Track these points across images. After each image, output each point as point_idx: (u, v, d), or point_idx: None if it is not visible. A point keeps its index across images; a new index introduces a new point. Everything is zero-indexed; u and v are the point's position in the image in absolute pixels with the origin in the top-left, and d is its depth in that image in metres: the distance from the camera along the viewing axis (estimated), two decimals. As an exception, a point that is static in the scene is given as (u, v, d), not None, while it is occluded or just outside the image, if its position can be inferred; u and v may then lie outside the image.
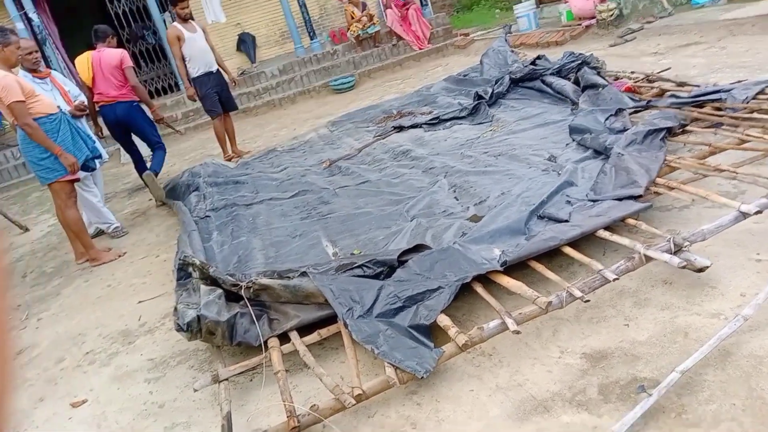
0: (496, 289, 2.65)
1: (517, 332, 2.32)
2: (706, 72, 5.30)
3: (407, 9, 11.34)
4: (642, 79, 5.19)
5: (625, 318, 2.40)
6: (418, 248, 3.02)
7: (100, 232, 5.38)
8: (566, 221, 3.00)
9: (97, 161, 4.83)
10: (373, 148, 5.58)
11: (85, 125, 5.20)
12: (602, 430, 1.85)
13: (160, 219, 5.51)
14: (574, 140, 4.19)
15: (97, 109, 5.86)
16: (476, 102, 5.77)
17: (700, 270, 2.43)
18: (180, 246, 3.92)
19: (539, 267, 2.70)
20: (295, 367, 2.62)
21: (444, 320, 2.48)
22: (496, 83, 6.03)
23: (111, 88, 5.73)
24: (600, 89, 4.82)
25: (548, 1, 11.26)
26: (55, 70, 10.89)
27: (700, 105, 4.10)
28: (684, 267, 2.43)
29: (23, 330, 3.86)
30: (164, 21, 11.45)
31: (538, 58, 6.21)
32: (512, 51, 7.36)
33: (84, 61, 5.81)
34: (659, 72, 5.32)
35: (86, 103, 5.37)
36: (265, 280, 2.88)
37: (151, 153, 6.17)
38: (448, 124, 5.69)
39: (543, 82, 5.66)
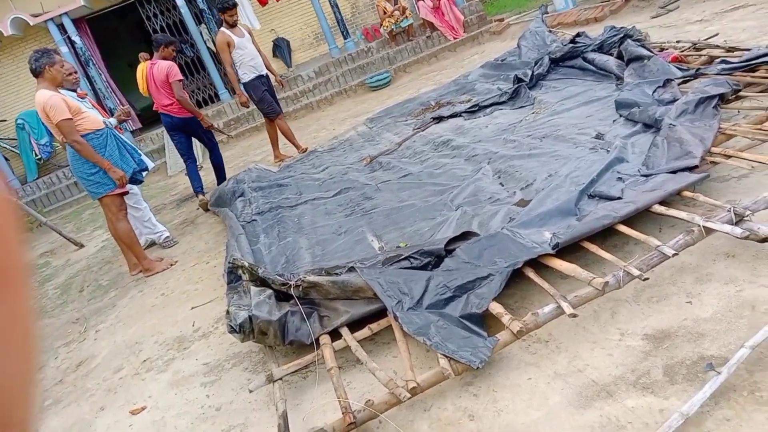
0: (548, 273, 2.57)
1: (574, 316, 2.23)
2: (758, 35, 5.04)
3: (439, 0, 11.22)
4: (689, 48, 4.97)
5: (687, 295, 2.28)
6: (466, 236, 2.96)
7: (151, 243, 5.50)
8: (619, 198, 2.89)
9: (143, 173, 4.93)
10: (413, 141, 5.52)
11: (130, 139, 5.32)
12: (670, 413, 1.76)
13: (208, 227, 5.59)
14: (621, 115, 4.04)
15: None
16: (516, 86, 5.64)
17: (765, 240, 2.29)
18: (229, 250, 3.96)
19: (593, 247, 2.60)
20: (348, 364, 2.60)
21: (496, 308, 2.42)
22: (535, 65, 5.88)
23: (164, 98, 6.01)
24: (645, 61, 4.64)
25: (583, -22, 10.95)
26: (99, 89, 11.26)
27: (753, 69, 3.89)
28: (747, 237, 2.29)
29: (82, 342, 3.97)
30: (200, 33, 11.66)
31: (578, 35, 6.02)
32: (550, 31, 7.18)
33: (140, 72, 6.09)
34: (706, 39, 5.09)
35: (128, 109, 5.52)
36: (313, 278, 2.87)
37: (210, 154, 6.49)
38: (488, 110, 5.59)
39: (584, 59, 5.49)
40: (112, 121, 4.80)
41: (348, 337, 2.61)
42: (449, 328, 2.41)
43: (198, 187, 6.28)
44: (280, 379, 2.53)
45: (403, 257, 2.89)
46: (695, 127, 3.21)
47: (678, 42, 5.20)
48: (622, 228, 2.66)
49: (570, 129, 4.18)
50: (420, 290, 2.66)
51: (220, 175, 6.51)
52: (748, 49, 4.24)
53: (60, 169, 10.67)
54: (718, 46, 4.71)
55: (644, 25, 6.64)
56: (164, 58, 6.06)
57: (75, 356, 3.78)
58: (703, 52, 4.73)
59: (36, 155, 11.14)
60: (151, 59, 6.20)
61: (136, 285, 4.69)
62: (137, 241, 4.81)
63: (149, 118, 13.70)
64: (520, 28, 9.27)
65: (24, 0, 11.01)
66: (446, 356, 2.25)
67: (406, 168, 4.78)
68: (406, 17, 11.22)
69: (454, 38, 11.13)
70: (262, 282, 3.00)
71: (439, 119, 5.86)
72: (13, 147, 11.40)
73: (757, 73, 3.80)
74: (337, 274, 2.90)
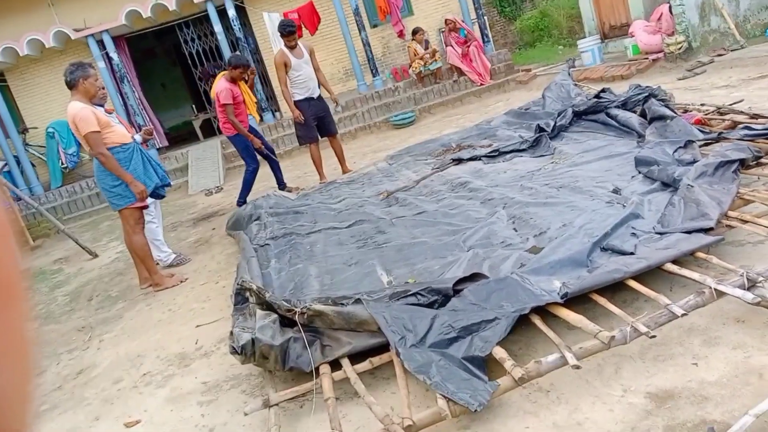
0: (555, 322, 2.55)
1: (577, 367, 2.21)
2: (783, 104, 5.06)
3: (468, 46, 11.41)
4: (713, 112, 4.99)
5: (693, 356, 2.25)
6: (475, 277, 2.95)
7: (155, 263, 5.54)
8: (631, 254, 2.88)
9: (165, 188, 5.01)
10: (431, 180, 5.56)
11: (155, 155, 5.43)
12: (668, 475, 1.72)
13: (221, 247, 5.64)
14: (640, 172, 4.04)
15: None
16: (538, 134, 5.68)
17: (778, 307, 2.27)
18: (239, 272, 3.99)
19: (602, 300, 2.58)
20: (346, 395, 2.58)
21: (500, 353, 2.40)
22: (558, 116, 5.93)
23: (219, 114, 6.69)
24: (668, 121, 4.66)
25: (613, 35, 11.11)
26: (131, 106, 11.53)
27: (776, 137, 3.89)
28: (758, 303, 2.27)
29: (85, 350, 3.99)
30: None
31: (603, 91, 6.08)
32: (575, 84, 7.26)
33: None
34: (731, 104, 5.12)
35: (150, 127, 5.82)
36: (319, 306, 2.88)
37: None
38: (508, 156, 5.62)
39: (608, 114, 5.53)
40: (137, 138, 4.91)
41: (348, 369, 2.60)
42: (450, 369, 2.39)
43: (241, 200, 6.83)
44: (277, 404, 2.51)
45: (410, 293, 2.89)
46: (713, 190, 3.21)
47: (702, 105, 5.23)
48: (633, 284, 2.64)
49: (588, 181, 4.19)
50: (424, 328, 2.65)
51: (278, 178, 7.16)
52: (772, 118, 4.26)
53: (84, 179, 10.87)
54: (742, 112, 4.72)
55: (670, 86, 6.69)
56: (232, 79, 6.47)
57: (76, 364, 3.79)
58: (727, 116, 4.75)
59: (62, 164, 11.37)
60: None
61: (145, 299, 4.72)
62: (150, 256, 4.86)
63: (176, 137, 13.98)
64: (547, 80, 9.38)
65: (68, 14, 11.40)
66: (445, 397, 2.23)
67: (421, 206, 4.80)
68: (436, 60, 11.41)
69: (481, 84, 11.27)
70: (269, 306, 3.01)
71: (459, 161, 5.91)
72: (41, 154, 11.65)
73: (779, 142, 3.80)
74: (343, 304, 2.90)
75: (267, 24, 11.21)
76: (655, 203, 3.45)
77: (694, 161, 3.74)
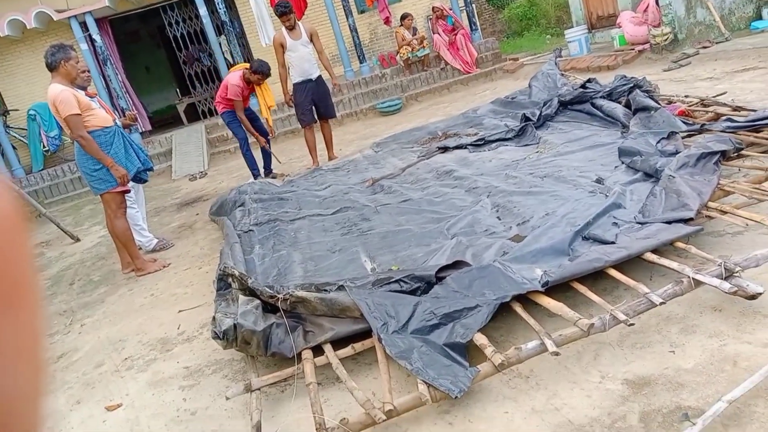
0: (536, 310, 2.57)
1: (557, 354, 2.24)
2: (765, 97, 5.11)
3: (456, 34, 11.38)
4: (696, 103, 5.03)
5: (670, 344, 2.29)
6: (458, 265, 2.97)
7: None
8: (612, 243, 2.91)
9: (148, 173, 4.97)
10: (417, 168, 5.57)
11: (138, 140, 5.38)
12: (643, 459, 1.76)
13: (205, 233, 5.61)
14: (623, 163, 4.08)
15: None
16: (523, 124, 5.70)
17: (752, 297, 2.30)
18: (222, 258, 3.98)
19: (582, 288, 2.61)
20: (328, 381, 2.59)
21: (481, 339, 2.42)
22: (544, 105, 5.95)
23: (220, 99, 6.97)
24: (652, 112, 4.70)
25: (600, 26, 11.13)
26: (114, 89, 11.39)
27: (757, 130, 3.94)
28: (735, 293, 2.31)
29: (66, 335, 3.96)
30: (219, 44, 11.80)
31: (589, 81, 6.11)
32: (562, 74, 7.28)
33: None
34: (715, 96, 5.16)
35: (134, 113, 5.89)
36: (301, 293, 2.88)
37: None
38: (493, 145, 5.64)
39: (593, 105, 5.55)
40: (119, 123, 4.86)
41: (330, 354, 2.61)
42: (432, 355, 2.41)
43: (255, 172, 7.11)
44: (259, 389, 2.52)
45: (393, 280, 2.90)
46: (694, 181, 3.25)
47: (686, 96, 5.27)
48: (613, 272, 2.67)
49: (572, 171, 4.22)
50: (407, 314, 2.66)
51: (266, 163, 7.29)
52: (754, 110, 4.30)
53: (66, 162, 10.74)
54: (725, 104, 4.77)
55: (655, 78, 6.73)
56: (247, 80, 6.71)
57: (58, 348, 3.77)
58: (710, 108, 4.79)
59: (44, 147, 11.22)
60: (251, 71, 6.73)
61: (127, 283, 4.70)
62: (133, 240, 4.82)
63: (160, 122, 13.84)
64: (534, 69, 9.39)
65: (50, -6, 11.20)
66: (426, 382, 2.24)
67: (406, 193, 4.81)
68: (423, 47, 11.37)
69: (467, 72, 11.26)
70: (251, 292, 3.01)
71: (445, 149, 5.92)
72: (23, 137, 11.49)
73: (760, 134, 3.85)
74: (326, 290, 2.91)
75: (253, 8, 11.09)
76: (637, 193, 3.49)
77: (677, 152, 3.77)
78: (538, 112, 5.81)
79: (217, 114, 12.42)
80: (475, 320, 2.53)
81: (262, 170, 7.23)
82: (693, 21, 8.40)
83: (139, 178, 4.83)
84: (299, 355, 2.65)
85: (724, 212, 2.96)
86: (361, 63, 12.04)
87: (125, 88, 12.02)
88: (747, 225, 2.83)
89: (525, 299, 2.61)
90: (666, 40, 8.36)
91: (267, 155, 7.22)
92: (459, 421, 2.16)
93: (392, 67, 12.02)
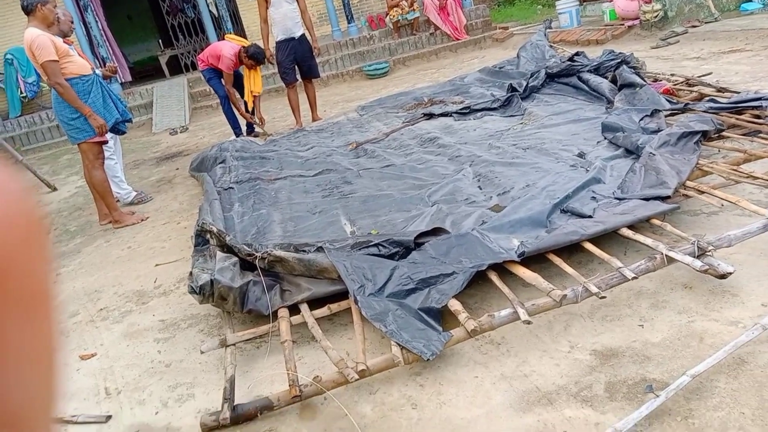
0: (511, 279, 2.61)
1: (528, 323, 2.28)
2: (749, 80, 5.15)
3: (447, -1, 11.23)
4: (681, 83, 5.06)
5: (640, 318, 2.34)
6: (436, 232, 2.99)
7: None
8: (590, 217, 2.94)
9: (126, 125, 4.88)
10: (401, 134, 5.54)
11: (118, 90, 5.27)
12: (604, 427, 1.81)
13: (184, 188, 5.56)
14: (606, 138, 4.10)
15: None
16: (509, 94, 5.68)
17: (723, 276, 2.36)
18: (201, 214, 3.95)
19: (557, 260, 2.65)
20: (303, 340, 2.62)
21: (455, 305, 2.46)
22: (531, 77, 5.93)
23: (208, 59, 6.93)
24: (637, 89, 4.71)
25: (592, -1, 11.04)
26: (94, 36, 11.09)
27: (739, 112, 3.97)
28: (706, 271, 2.36)
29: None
30: (205, -5, 11.51)
31: (577, 54, 6.09)
32: (551, 46, 7.24)
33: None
34: (700, 76, 5.18)
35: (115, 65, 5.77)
36: (280, 253, 2.89)
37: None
38: (478, 114, 5.62)
39: (579, 78, 5.55)
40: (98, 73, 4.75)
41: (306, 314, 2.63)
42: (406, 318, 2.44)
43: (237, 130, 7.05)
44: (233, 345, 2.54)
45: (372, 244, 2.91)
46: (674, 159, 3.28)
47: (672, 75, 5.28)
48: (589, 246, 2.71)
49: (554, 144, 4.24)
50: (384, 278, 2.69)
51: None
52: (738, 92, 4.33)
53: (44, 110, 10.50)
54: (709, 85, 4.80)
55: (643, 54, 6.73)
56: (240, 60, 6.67)
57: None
58: (695, 88, 4.81)
59: (21, 93, 10.93)
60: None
61: (104, 235, 4.66)
62: (110, 192, 4.77)
63: (141, 73, 13.55)
64: (523, 39, 9.32)
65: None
66: (399, 345, 2.28)
67: (389, 159, 4.79)
68: (414, 10, 11.21)
69: (456, 39, 11.15)
70: (229, 249, 3.00)
71: (430, 116, 5.89)
72: (-1, 81, 11.18)
73: (742, 116, 3.88)
74: (305, 251, 2.92)
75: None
76: (617, 169, 3.52)
77: (659, 130, 3.80)
78: (524, 83, 5.79)
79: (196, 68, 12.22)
80: (450, 286, 2.57)
81: (244, 128, 7.14)
82: (684, -1, 8.38)
83: (117, 129, 4.75)
84: (275, 313, 2.67)
85: (701, 192, 3.01)
86: (349, 23, 11.84)
87: (105, 37, 11.71)
88: (722, 205, 2.88)
89: (501, 268, 2.65)
90: (656, 16, 8.34)
91: (248, 111, 7.14)
92: (430, 383, 2.20)
93: (381, 29, 11.85)
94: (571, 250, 2.77)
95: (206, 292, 2.72)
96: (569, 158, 3.90)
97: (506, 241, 2.84)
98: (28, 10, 4.23)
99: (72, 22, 4.78)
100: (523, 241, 2.80)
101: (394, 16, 11.23)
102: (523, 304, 2.33)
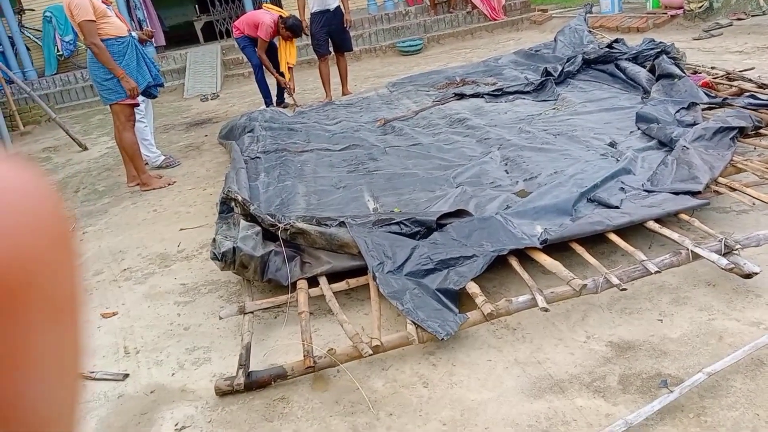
0: (531, 265, 2.59)
1: (546, 310, 2.27)
2: (793, 77, 4.98)
3: (487, -23, 11.01)
4: (722, 76, 4.92)
5: (660, 313, 2.31)
6: (459, 214, 2.98)
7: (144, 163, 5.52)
8: (616, 207, 2.90)
9: (158, 88, 4.92)
10: (430, 113, 5.50)
11: (152, 52, 5.31)
12: (615, 419, 1.81)
13: (212, 155, 5.61)
14: (639, 129, 4.02)
15: None
16: (543, 78, 5.59)
17: (748, 276, 2.32)
18: (227, 181, 3.98)
19: (580, 249, 2.62)
20: (320, 312, 2.64)
21: (473, 288, 2.45)
22: (567, 62, 5.81)
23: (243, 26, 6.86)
24: (675, 80, 4.59)
25: (636, -15, 10.75)
26: (132, -2, 11.12)
27: (780, 109, 3.86)
28: (731, 270, 2.32)
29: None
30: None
31: (616, 41, 5.94)
32: (589, 31, 7.09)
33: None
34: (741, 71, 5.04)
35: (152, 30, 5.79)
36: (302, 225, 2.90)
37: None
38: (511, 97, 5.54)
39: (617, 66, 5.42)
40: (134, 35, 4.78)
41: (324, 287, 2.65)
42: (423, 298, 2.45)
43: (268, 100, 7.01)
44: (252, 312, 2.58)
45: (394, 222, 2.91)
46: (708, 154, 3.21)
47: (712, 68, 5.15)
48: (613, 237, 2.68)
49: (586, 132, 4.17)
50: (403, 257, 2.69)
51: (279, 91, 7.20)
52: (780, 89, 4.21)
53: (79, 69, 10.60)
54: (750, 80, 4.66)
55: (684, 45, 6.55)
56: (277, 30, 6.63)
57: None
58: (735, 83, 4.68)
59: (58, 51, 11.06)
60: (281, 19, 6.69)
61: (131, 197, 4.73)
62: (139, 154, 4.83)
63: (176, 37, 13.60)
64: (561, 23, 9.13)
65: None
66: (415, 323, 2.29)
67: (417, 137, 4.77)
68: (452, -13, 11.03)
69: (494, 19, 10.97)
70: (252, 218, 3.03)
71: (461, 96, 5.82)
72: (37, 38, 11.31)
73: (782, 114, 3.77)
74: (327, 225, 2.93)
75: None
76: (649, 161, 3.45)
77: (695, 124, 3.72)
78: (560, 68, 5.68)
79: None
80: (470, 269, 2.56)
81: (274, 98, 7.16)
82: (732, -10, 8.11)
83: (148, 93, 4.79)
84: (294, 284, 2.70)
85: (733, 189, 2.94)
86: (385, -2, 11.70)
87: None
88: (754, 204, 2.81)
89: (522, 254, 2.63)
90: (701, 7, 8.09)
91: (281, 87, 7.16)
92: (442, 363, 2.21)
93: (417, 5, 11.69)
94: (595, 240, 2.74)
95: (228, 260, 2.76)
96: (600, 147, 3.83)
97: (529, 227, 2.82)
98: (67, -31, 4.26)
99: None
100: (547, 228, 2.77)
101: (431, -8, 11.07)
102: (541, 291, 2.31)
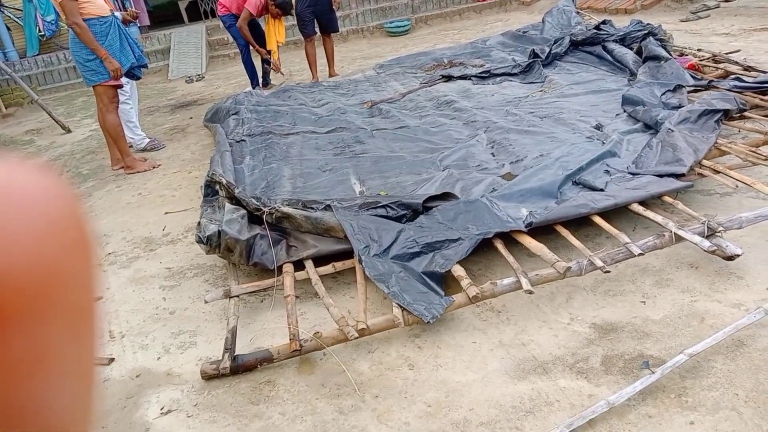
0: (517, 249, 2.60)
1: (530, 292, 2.29)
2: (779, 59, 5.00)
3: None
4: (708, 59, 4.93)
5: (643, 295, 2.34)
6: (445, 197, 2.98)
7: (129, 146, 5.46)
8: (601, 190, 2.92)
9: (142, 70, 4.85)
10: (417, 95, 5.47)
11: (136, 34, 5.22)
12: (597, 399, 1.83)
13: (197, 138, 5.56)
14: (625, 111, 4.03)
15: None
16: (531, 60, 5.58)
17: (730, 258, 2.34)
18: (212, 165, 3.95)
19: (564, 232, 2.63)
20: (306, 295, 2.64)
21: (458, 271, 2.46)
22: (554, 43, 5.80)
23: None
24: (662, 62, 4.59)
25: (624, -34, 10.70)
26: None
27: (764, 92, 3.88)
28: (713, 252, 2.34)
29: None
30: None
31: (603, 23, 5.93)
32: (577, 12, 7.05)
33: None
34: (727, 53, 5.05)
35: (137, 11, 5.61)
36: (288, 209, 2.89)
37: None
38: (498, 79, 5.53)
39: (604, 48, 5.42)
40: (118, 15, 4.70)
41: (311, 270, 2.65)
42: (409, 281, 2.45)
43: (255, 83, 6.91)
44: (237, 296, 2.57)
45: (380, 205, 2.91)
46: (692, 137, 3.22)
47: (699, 50, 5.15)
48: (598, 219, 2.70)
49: (572, 114, 4.17)
50: (389, 240, 2.69)
51: (265, 71, 7.14)
52: (765, 72, 4.22)
53: (62, 50, 10.43)
54: (736, 63, 4.67)
55: (671, 27, 6.54)
56: (265, 6, 6.49)
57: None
58: (721, 65, 4.69)
59: (40, 31, 10.86)
60: None
61: (115, 180, 4.68)
62: (123, 137, 4.77)
63: (160, 17, 13.40)
64: (550, 4, 9.08)
65: None
66: (401, 306, 2.30)
67: (404, 120, 4.75)
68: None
69: (482, 0, 10.90)
70: (238, 202, 3.01)
71: (448, 78, 5.80)
72: (18, 18, 11.09)
73: (766, 97, 3.79)
74: (312, 208, 2.92)
75: None
76: (634, 143, 3.46)
77: (680, 106, 3.73)
78: (547, 50, 5.67)
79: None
80: (455, 252, 2.57)
81: (260, 80, 7.09)
82: (719, -29, 8.09)
83: (132, 74, 4.72)
84: (280, 268, 2.69)
85: (717, 171, 2.96)
86: (373, -23, 11.57)
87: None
88: (737, 187, 2.83)
89: (507, 237, 2.64)
90: (689, -12, 8.07)
91: (266, 62, 7.07)
92: (428, 345, 2.22)
93: (405, -15, 11.57)
94: (580, 223, 2.75)
95: (213, 243, 2.75)
96: (586, 129, 3.84)
97: (515, 210, 2.83)
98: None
99: None
100: (532, 211, 2.78)
101: (418, -28, 10.96)
102: (526, 273, 2.33)
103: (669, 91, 4.03)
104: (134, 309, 2.78)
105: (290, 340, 2.21)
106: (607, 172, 3.12)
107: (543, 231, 2.68)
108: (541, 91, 4.97)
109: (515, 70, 5.56)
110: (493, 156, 3.72)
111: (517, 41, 6.82)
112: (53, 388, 0.28)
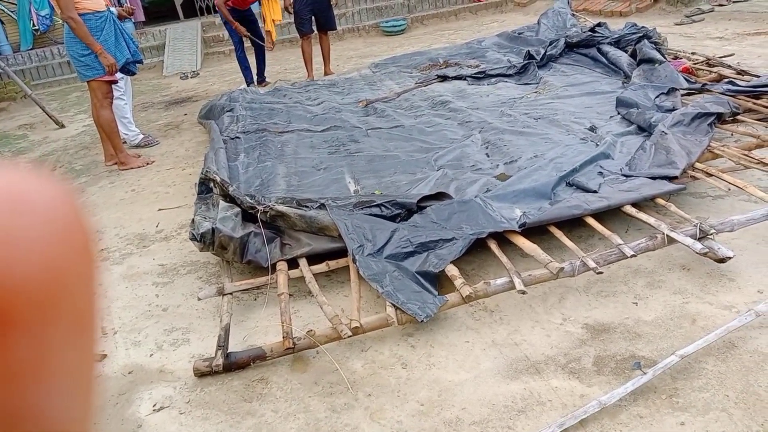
0: (510, 249, 2.61)
1: (523, 292, 2.29)
2: (771, 64, 5.04)
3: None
4: (702, 62, 4.96)
5: (635, 296, 2.35)
6: (440, 197, 2.98)
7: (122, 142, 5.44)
8: (595, 192, 2.93)
9: (137, 65, 4.83)
10: (413, 95, 5.48)
11: (130, 28, 5.20)
12: (589, 399, 1.84)
13: (191, 134, 5.55)
14: (619, 113, 4.05)
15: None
16: (526, 61, 5.59)
17: (722, 260, 2.36)
18: (206, 162, 3.94)
19: (558, 233, 2.65)
20: (300, 294, 2.65)
21: (452, 270, 2.47)
22: (550, 45, 5.82)
23: None
24: (656, 65, 4.62)
25: (620, -31, 10.74)
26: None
27: (757, 96, 3.90)
28: (705, 254, 2.36)
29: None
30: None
31: (598, 25, 5.96)
32: (573, 15, 7.08)
33: None
34: (721, 57, 5.08)
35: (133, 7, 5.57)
36: (282, 208, 2.89)
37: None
38: (493, 80, 5.54)
39: (599, 50, 5.44)
40: (113, 11, 4.68)
41: (304, 269, 2.65)
42: (403, 280, 2.46)
43: (249, 79, 6.88)
44: (231, 294, 2.57)
45: (374, 204, 2.91)
46: (685, 140, 3.24)
47: (693, 54, 5.18)
48: (591, 221, 2.71)
49: (567, 116, 4.19)
50: (383, 239, 2.69)
51: (260, 69, 7.18)
52: (758, 76, 4.25)
53: (56, 44, 10.38)
54: (730, 66, 4.70)
55: (665, 30, 6.58)
56: None
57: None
58: (715, 69, 4.73)
59: (34, 25, 10.80)
60: None
61: (109, 176, 4.67)
62: (117, 132, 4.75)
63: (155, 13, 13.35)
64: (545, 6, 9.11)
65: None
66: (394, 305, 2.30)
67: (399, 119, 4.75)
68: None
69: (478, 1, 10.92)
70: (232, 200, 3.01)
71: (444, 78, 5.81)
72: (12, 12, 11.03)
73: (759, 101, 3.81)
74: (307, 207, 2.92)
75: None
76: (628, 146, 3.48)
77: (674, 109, 3.75)
78: (542, 51, 5.69)
79: (215, 12, 12.01)
80: (449, 252, 2.58)
81: (255, 77, 7.08)
82: (714, -25, 8.14)
83: (127, 70, 4.70)
84: (274, 266, 2.69)
85: (710, 174, 2.98)
86: (369, -23, 11.56)
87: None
88: (729, 190, 2.86)
89: (501, 237, 2.65)
90: (683, -8, 8.11)
91: (261, 58, 7.05)
92: (421, 344, 2.23)
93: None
94: (573, 224, 2.76)
95: (207, 240, 2.74)
96: (580, 131, 3.85)
97: (509, 211, 2.84)
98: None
99: None
100: (526, 211, 2.79)
101: (415, -28, 10.96)
102: (519, 273, 2.34)
103: (663, 93, 4.05)
104: (127, 305, 2.77)
105: (283, 338, 2.21)
106: (600, 173, 3.13)
107: (536, 232, 2.69)
108: (535, 92, 4.99)
109: (510, 71, 5.57)
110: (488, 156, 3.73)
111: (513, 42, 6.84)
112: (55, 393, 0.28)
